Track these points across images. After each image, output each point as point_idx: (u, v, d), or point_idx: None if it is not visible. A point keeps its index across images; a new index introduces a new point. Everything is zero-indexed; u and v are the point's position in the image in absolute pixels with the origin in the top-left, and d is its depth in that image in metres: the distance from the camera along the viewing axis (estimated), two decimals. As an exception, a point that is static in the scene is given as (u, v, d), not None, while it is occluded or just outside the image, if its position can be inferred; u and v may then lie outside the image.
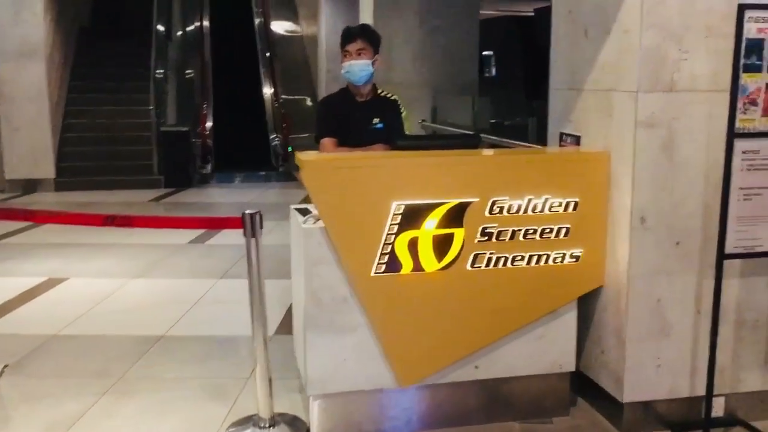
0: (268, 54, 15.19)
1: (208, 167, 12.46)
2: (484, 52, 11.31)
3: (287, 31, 16.74)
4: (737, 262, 3.12)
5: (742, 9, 2.77)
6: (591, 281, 3.31)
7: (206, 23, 15.24)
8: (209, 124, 13.24)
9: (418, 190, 3.05)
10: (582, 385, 3.51)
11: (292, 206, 3.48)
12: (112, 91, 11.54)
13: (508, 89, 10.32)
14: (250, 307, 3.16)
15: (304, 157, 3.09)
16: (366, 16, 7.51)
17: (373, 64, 3.70)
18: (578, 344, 3.43)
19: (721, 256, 2.94)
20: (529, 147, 4.96)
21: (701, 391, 3.17)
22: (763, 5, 2.79)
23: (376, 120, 3.62)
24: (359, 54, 3.68)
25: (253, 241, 3.07)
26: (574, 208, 3.21)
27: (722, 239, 2.92)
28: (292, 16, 16.95)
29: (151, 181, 10.77)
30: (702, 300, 3.16)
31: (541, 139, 4.24)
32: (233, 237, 3.30)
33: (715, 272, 2.97)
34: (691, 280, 3.16)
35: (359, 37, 3.71)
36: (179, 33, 15.50)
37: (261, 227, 3.08)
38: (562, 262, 3.24)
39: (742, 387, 3.31)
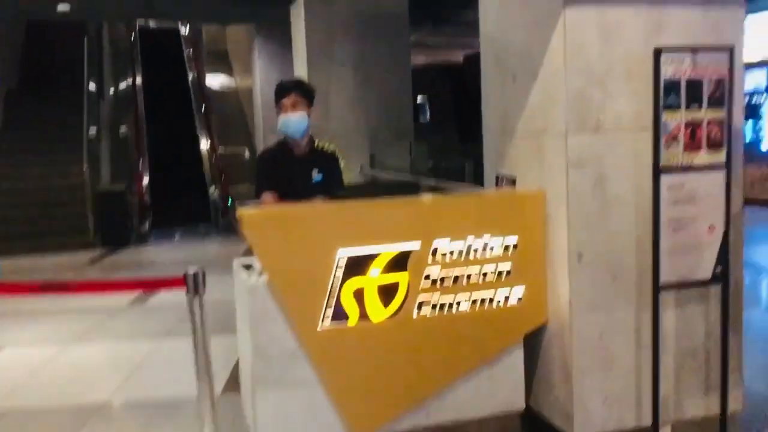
0: (203, 108, 15.16)
1: (146, 225, 12.24)
2: (420, 98, 11.57)
3: (222, 85, 16.78)
4: (672, 292, 3.22)
5: (658, 52, 2.92)
6: (535, 319, 3.36)
7: (139, 80, 15.14)
8: (145, 181, 13.05)
9: (362, 238, 3.07)
10: (533, 422, 3.53)
11: (236, 260, 3.45)
12: (44, 152, 11.28)
13: (445, 133, 10.53)
14: (195, 367, 3.09)
15: (244, 211, 3.08)
16: (300, 67, 7.61)
17: (308, 116, 3.73)
18: (527, 382, 3.46)
19: (656, 287, 3.03)
20: (468, 189, 5.05)
21: (648, 421, 3.23)
22: (677, 48, 2.95)
23: (315, 173, 3.64)
24: (294, 107, 3.70)
25: (196, 300, 3.02)
26: (514, 249, 3.27)
27: (656, 271, 3.02)
28: (227, 69, 17.01)
29: (87, 242, 10.49)
30: (642, 332, 3.24)
31: (478, 181, 4.34)
32: (175, 295, 3.23)
33: (652, 303, 3.06)
34: (630, 313, 3.24)
35: (293, 90, 3.74)
36: (111, 91, 15.34)
37: (204, 285, 3.03)
38: (505, 302, 3.29)
39: (686, 414, 3.38)
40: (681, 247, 3.04)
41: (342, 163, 3.80)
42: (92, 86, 13.30)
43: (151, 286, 3.42)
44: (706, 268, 3.10)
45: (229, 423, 3.69)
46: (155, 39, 16.31)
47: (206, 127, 14.81)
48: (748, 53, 9.88)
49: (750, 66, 11.38)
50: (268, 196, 3.52)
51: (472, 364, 3.29)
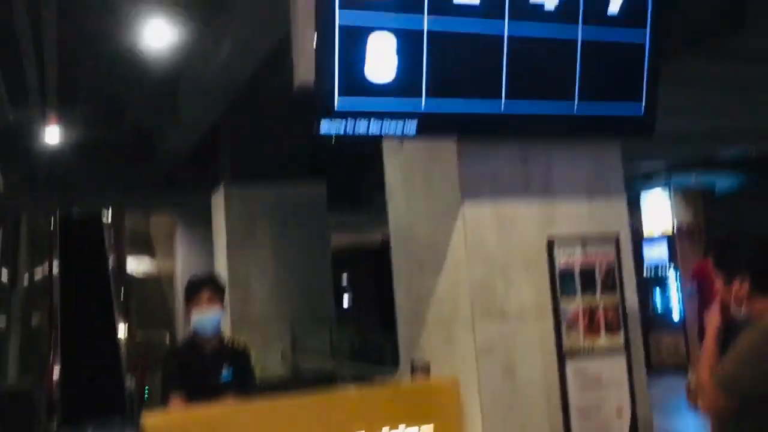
0: (122, 293, 14.85)
1: (54, 424, 11.46)
2: (344, 281, 11.75)
3: (144, 270, 16.57)
4: (591, 477, 3.20)
5: (550, 243, 3.12)
6: None
7: (56, 267, 14.83)
8: (56, 376, 12.39)
9: (273, 438, 2.97)
10: None
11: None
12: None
13: (367, 315, 10.60)
14: None
15: (148, 420, 2.95)
16: (221, 253, 7.67)
17: (222, 311, 3.70)
18: None
19: (573, 475, 3.02)
20: (387, 374, 5.02)
21: None
22: (568, 239, 3.17)
23: (224, 371, 3.55)
24: (210, 303, 3.65)
25: None
26: (431, 439, 3.22)
27: (571, 458, 3.02)
28: (149, 254, 16.90)
29: (-15, 448, 9.65)
30: None
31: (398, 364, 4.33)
32: None
33: (570, 492, 3.03)
34: (551, 502, 3.18)
35: (207, 285, 3.72)
36: (26, 280, 14.91)
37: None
38: (425, 496, 3.18)
39: None
40: (593, 431, 3.07)
41: (253, 359, 3.74)
42: (4, 276, 12.90)
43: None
44: (619, 451, 3.12)
45: None
46: (76, 225, 16.23)
47: (124, 313, 14.44)
48: (650, 227, 10.49)
49: (652, 239, 12.12)
50: (176, 400, 3.39)
51: None
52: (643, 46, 3.33)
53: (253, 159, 7.25)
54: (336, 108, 2.80)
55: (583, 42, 3.19)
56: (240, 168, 7.40)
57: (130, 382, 12.95)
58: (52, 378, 12.23)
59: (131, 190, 10.02)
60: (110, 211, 16.16)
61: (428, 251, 3.56)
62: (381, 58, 2.86)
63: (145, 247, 16.97)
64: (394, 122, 2.93)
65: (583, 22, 3.17)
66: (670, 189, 12.33)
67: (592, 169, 3.49)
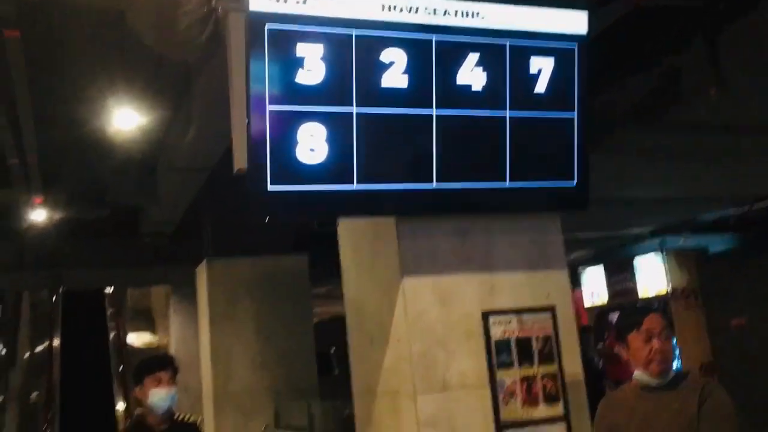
0: (121, 368, 14.85)
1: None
2: (332, 350, 11.73)
3: (144, 342, 16.59)
4: None
5: (486, 315, 3.22)
6: None
7: (57, 342, 14.89)
8: (52, 453, 12.32)
9: None
10: None
11: None
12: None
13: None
14: None
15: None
16: (204, 326, 7.74)
17: None
18: None
19: None
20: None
21: None
22: (503, 311, 3.26)
23: (176, 452, 3.61)
24: (169, 384, 3.75)
25: None
26: None
27: None
28: (149, 326, 16.95)
29: None
30: None
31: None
32: None
33: None
34: None
35: (168, 366, 3.82)
36: (26, 355, 14.97)
37: None
38: None
39: None
40: (534, 502, 3.10)
41: (205, 432, 3.80)
42: (2, 353, 12.99)
43: None
44: None
45: None
46: (79, 300, 16.36)
47: (123, 387, 14.41)
48: (645, 290, 10.39)
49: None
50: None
51: None
52: (572, 120, 3.49)
53: (233, 234, 7.38)
54: (268, 192, 2.95)
55: (511, 119, 3.35)
56: (221, 243, 7.53)
57: (126, 459, 12.83)
58: (47, 455, 12.16)
59: (122, 267, 10.17)
60: (110, 286, 16.31)
61: (376, 325, 3.65)
62: (312, 142, 3.02)
63: (146, 319, 17.04)
64: (326, 204, 3.07)
65: (511, 103, 3.34)
66: (663, 252, 12.38)
67: (531, 242, 3.61)
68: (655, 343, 2.33)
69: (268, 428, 7.30)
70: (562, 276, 3.63)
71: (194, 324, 10.96)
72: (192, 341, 9.45)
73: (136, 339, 16.57)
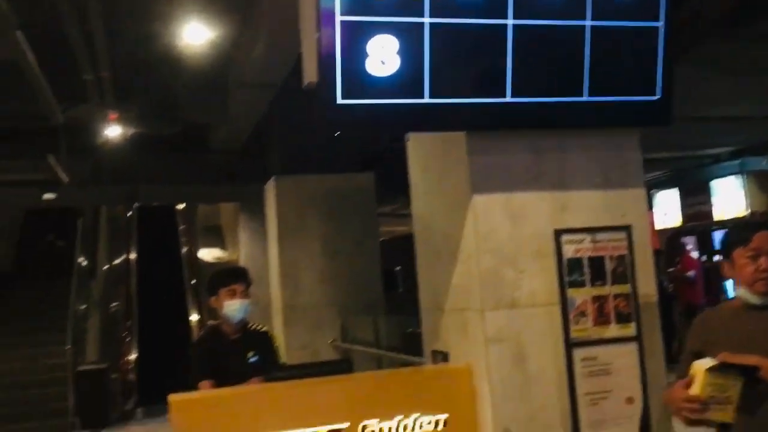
0: (194, 281, 15.42)
1: (131, 403, 12.06)
2: (397, 268, 11.85)
3: (214, 258, 17.15)
4: (604, 465, 3.23)
5: (558, 234, 3.15)
6: (470, 498, 3.33)
7: (133, 256, 15.54)
8: (132, 357, 13.02)
9: (289, 420, 3.12)
10: None
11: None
12: (31, 333, 11.39)
13: (416, 303, 10.67)
14: None
15: (173, 397, 3.16)
16: (272, 242, 7.92)
17: None
18: None
19: (580, 461, 3.05)
20: (419, 363, 5.11)
21: None
22: (576, 229, 3.18)
23: (250, 354, 3.74)
24: (244, 294, 3.86)
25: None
26: (445, 425, 3.30)
27: (578, 445, 3.06)
28: (219, 243, 17.47)
29: (65, 424, 10.30)
30: (576, 507, 3.21)
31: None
32: None
33: (577, 478, 3.06)
34: (561, 488, 3.23)
35: (242, 278, 3.93)
36: (105, 267, 15.70)
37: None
38: (438, 481, 3.27)
39: None
40: (601, 419, 3.10)
41: (276, 343, 3.92)
42: (84, 264, 13.64)
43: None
44: (629, 439, 3.13)
45: None
46: (153, 215, 16.93)
47: (196, 301, 14.99)
48: (722, 213, 10.02)
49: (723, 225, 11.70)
50: (205, 385, 3.60)
51: None
52: (657, 30, 3.29)
53: (301, 151, 7.43)
54: (338, 105, 2.91)
55: (592, 29, 3.18)
56: (289, 159, 7.60)
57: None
58: (128, 361, 12.87)
59: (192, 183, 10.42)
60: (181, 203, 16.77)
61: (444, 242, 3.63)
62: (383, 55, 2.94)
63: (217, 236, 17.56)
64: (396, 118, 3.01)
65: (592, 12, 3.16)
66: (742, 174, 11.90)
67: (608, 158, 3.48)
68: (763, 262, 2.20)
69: (335, 342, 7.51)
70: (640, 195, 3.52)
71: (262, 240, 11.23)
72: (260, 257, 9.69)
73: (207, 254, 17.14)
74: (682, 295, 10.30)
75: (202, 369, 3.69)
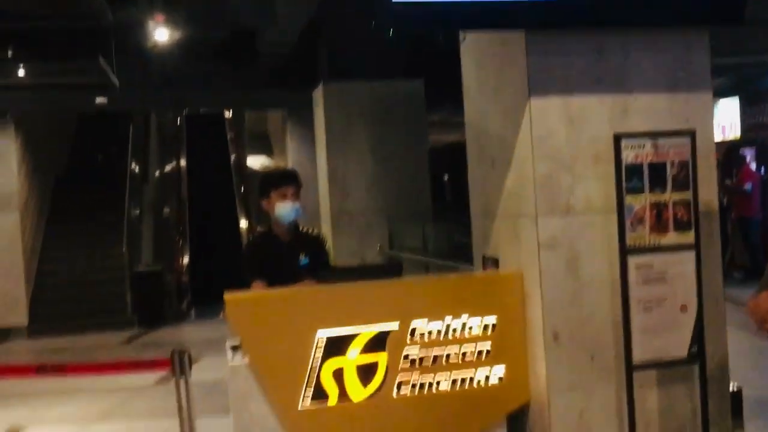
0: (242, 188, 15.66)
1: (184, 304, 12.54)
2: (445, 176, 11.80)
3: (262, 166, 17.35)
4: (653, 372, 3.23)
5: (618, 138, 3.04)
6: (516, 399, 3.39)
7: (183, 162, 15.80)
8: (185, 260, 13.44)
9: (340, 320, 3.19)
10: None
11: (228, 343, 3.58)
12: (86, 235, 11.80)
13: (463, 212, 10.66)
14: (182, 448, 3.20)
15: (228, 295, 3.24)
16: (321, 149, 7.93)
17: None
18: (514, 463, 3.47)
19: (630, 367, 3.06)
20: (467, 270, 5.14)
21: (634, 502, 3.19)
22: (637, 134, 3.07)
23: (302, 257, 3.80)
24: (295, 196, 3.89)
25: (182, 380, 3.16)
26: (494, 329, 3.34)
27: (628, 351, 3.05)
28: (267, 151, 17.63)
29: (124, 322, 10.81)
30: (624, 411, 3.23)
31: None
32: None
33: (626, 383, 3.07)
34: (610, 392, 3.25)
35: (295, 180, 3.95)
36: (157, 174, 16.03)
37: (190, 366, 3.18)
38: (486, 382, 3.33)
39: (675, 495, 3.33)
40: (654, 326, 3.08)
41: (327, 246, 3.97)
42: (136, 170, 13.94)
43: (139, 368, 3.57)
44: (681, 347, 3.11)
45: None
46: (201, 123, 17.08)
47: (245, 207, 15.26)
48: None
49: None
50: (257, 286, 3.69)
51: (453, 445, 3.32)
52: None
53: (350, 57, 7.32)
54: (392, 2, 2.80)
55: None
56: (337, 66, 7.51)
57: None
58: (181, 264, 13.31)
59: (240, 89, 10.40)
60: (229, 109, 16.82)
61: (498, 148, 3.56)
62: (440, -52, 2.80)
63: (264, 143, 17.70)
64: (452, 15, 2.90)
65: None
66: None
67: (674, 60, 3.31)
68: None
69: (382, 248, 7.60)
70: (706, 99, 3.36)
71: (309, 147, 11.26)
72: (308, 164, 9.75)
73: (255, 162, 17.32)
74: (736, 207, 10.06)
75: (255, 270, 3.77)
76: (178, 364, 3.11)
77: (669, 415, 3.32)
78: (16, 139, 10.48)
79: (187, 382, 3.14)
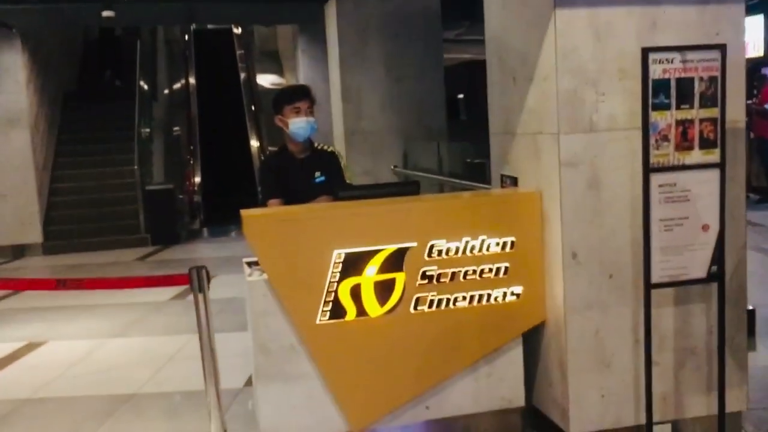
0: (253, 107, 15.49)
1: (197, 222, 12.62)
2: (460, 96, 11.57)
3: (272, 84, 17.08)
4: (670, 291, 3.23)
5: (645, 52, 2.93)
6: (533, 317, 3.41)
7: (192, 80, 15.58)
8: (197, 179, 13.44)
9: (358, 237, 3.18)
10: (535, 419, 3.59)
11: (244, 259, 3.60)
12: (97, 153, 11.76)
13: (478, 132, 10.52)
14: (202, 363, 3.25)
15: (246, 213, 3.23)
16: (333, 66, 7.77)
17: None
18: (528, 379, 3.52)
19: (648, 286, 3.05)
20: (482, 189, 5.10)
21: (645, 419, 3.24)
22: (666, 48, 2.96)
23: (317, 174, 3.77)
24: (308, 111, 3.83)
25: (200, 296, 3.19)
26: (511, 247, 3.33)
27: (648, 270, 3.03)
28: (277, 68, 17.32)
29: (137, 239, 10.90)
30: (639, 330, 3.25)
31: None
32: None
33: (644, 301, 3.07)
34: (626, 311, 3.26)
35: (308, 95, 3.87)
36: (165, 91, 15.84)
37: (208, 282, 3.20)
38: (503, 300, 3.35)
39: (687, 413, 3.38)
40: (674, 245, 3.05)
41: (343, 162, 3.92)
42: (145, 87, 13.76)
43: (157, 283, 3.60)
44: (701, 267, 3.09)
45: (247, 414, 3.88)
46: (209, 39, 16.74)
47: (256, 126, 15.13)
48: None
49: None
50: (274, 203, 3.67)
51: (469, 360, 3.36)
52: None
53: (364, -34, 7.07)
54: None
55: None
56: (352, -24, 7.25)
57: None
58: (192, 182, 13.31)
59: (250, 6, 10.12)
60: (238, 23, 16.45)
61: (520, 63, 3.46)
62: None
63: (274, 61, 17.37)
64: None
65: None
66: None
67: (707, -29, 3.16)
68: None
69: (397, 168, 7.53)
70: (737, 12, 3.22)
71: (321, 65, 11.02)
72: (320, 82, 9.56)
73: (265, 80, 17.06)
74: (755, 128, 9.89)
75: (271, 187, 3.74)
76: (197, 280, 3.12)
77: (684, 333, 3.34)
78: (23, 54, 10.33)
79: (206, 299, 3.16)
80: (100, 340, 5.91)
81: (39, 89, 10.97)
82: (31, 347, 5.80)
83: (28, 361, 5.49)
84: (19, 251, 10.51)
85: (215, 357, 3.24)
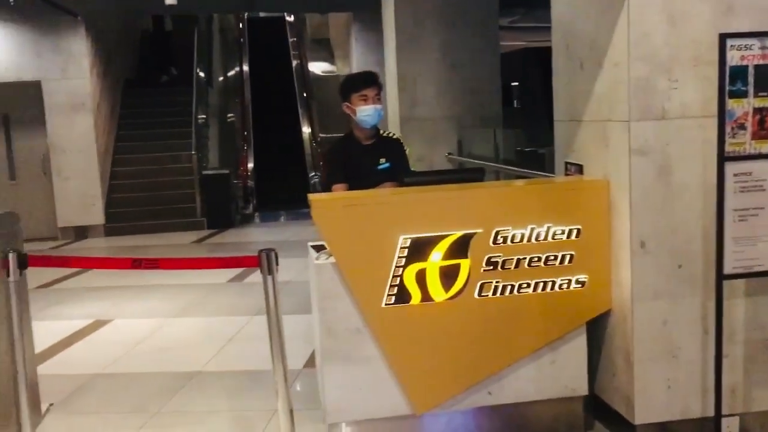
0: (305, 94, 15.61)
1: (250, 207, 12.81)
2: (514, 83, 11.45)
3: (323, 71, 17.19)
4: (741, 282, 3.17)
5: (723, 38, 2.88)
6: (598, 306, 3.39)
7: (246, 68, 15.78)
8: (250, 165, 13.64)
9: (424, 223, 3.21)
10: (598, 408, 3.57)
11: (309, 243, 3.66)
12: (156, 138, 12.02)
13: (535, 119, 10.43)
14: (270, 343, 3.33)
15: (314, 197, 3.28)
16: (390, 54, 7.77)
17: None
18: (592, 368, 3.50)
19: (720, 276, 3.00)
20: (539, 177, 5.06)
21: (713, 411, 3.20)
22: (744, 34, 2.89)
23: (382, 160, 3.80)
24: (376, 99, 3.86)
25: (269, 278, 3.25)
26: (577, 235, 3.32)
27: (720, 260, 2.99)
28: (329, 56, 17.41)
29: (193, 223, 11.14)
30: (708, 321, 3.21)
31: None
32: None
33: (716, 293, 3.03)
34: (695, 302, 3.22)
35: (376, 83, 3.90)
36: (220, 79, 16.08)
37: (277, 264, 3.26)
38: (567, 287, 3.34)
39: (755, 406, 3.33)
40: (748, 236, 2.99)
41: (407, 150, 3.94)
42: (201, 75, 14.00)
43: (227, 264, 3.68)
44: (776, 258, 3.03)
45: (309, 395, 3.96)
46: (262, 27, 16.92)
47: (308, 113, 15.26)
48: None
49: None
50: (339, 188, 3.71)
51: (532, 347, 3.37)
52: None
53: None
54: None
55: None
56: (409, -36, 7.23)
57: (313, 178, 13.98)
58: (245, 167, 13.51)
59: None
60: (293, 13, 16.58)
61: (590, 49, 3.42)
62: None
63: (326, 48, 17.47)
64: None
65: None
66: None
67: (788, -47, 3.08)
68: None
69: (451, 155, 7.52)
70: (820, -4, 3.13)
71: (374, 52, 11.07)
72: (373, 69, 9.62)
73: (317, 67, 17.17)
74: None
75: (337, 173, 3.79)
76: (266, 262, 3.19)
77: (754, 325, 3.28)
78: (87, 41, 10.61)
79: (274, 280, 3.23)
80: (163, 319, 6.08)
81: (101, 75, 11.26)
82: (97, 324, 6.00)
83: (96, 338, 5.68)
84: (81, 232, 10.84)
85: (282, 337, 3.30)
